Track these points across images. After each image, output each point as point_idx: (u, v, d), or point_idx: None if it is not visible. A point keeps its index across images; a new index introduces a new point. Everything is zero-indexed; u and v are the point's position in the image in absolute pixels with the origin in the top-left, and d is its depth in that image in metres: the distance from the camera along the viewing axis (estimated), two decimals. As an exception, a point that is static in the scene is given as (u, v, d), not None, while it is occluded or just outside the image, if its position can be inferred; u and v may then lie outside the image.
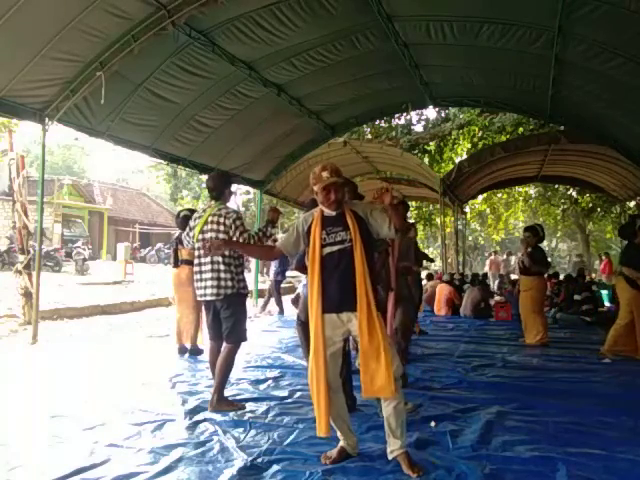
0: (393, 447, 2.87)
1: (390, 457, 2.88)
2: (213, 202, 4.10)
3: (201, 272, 3.93)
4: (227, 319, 3.91)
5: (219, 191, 4.09)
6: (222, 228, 3.89)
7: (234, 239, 3.82)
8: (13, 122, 9.85)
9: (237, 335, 3.92)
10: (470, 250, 31.24)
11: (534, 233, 6.67)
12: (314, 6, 5.56)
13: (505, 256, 21.58)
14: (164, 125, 7.22)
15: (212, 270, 3.87)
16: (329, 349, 2.85)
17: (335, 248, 2.87)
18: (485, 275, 13.50)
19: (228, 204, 4.13)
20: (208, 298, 3.91)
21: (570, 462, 2.91)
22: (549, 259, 9.65)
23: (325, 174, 2.86)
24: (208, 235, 3.90)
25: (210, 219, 3.95)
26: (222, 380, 3.91)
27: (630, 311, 5.70)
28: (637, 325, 5.67)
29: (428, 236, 28.68)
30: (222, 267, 3.86)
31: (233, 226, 3.87)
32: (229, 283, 3.86)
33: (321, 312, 2.84)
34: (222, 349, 3.95)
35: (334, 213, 2.92)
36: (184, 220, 5.86)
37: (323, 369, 2.80)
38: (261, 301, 10.52)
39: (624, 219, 13.14)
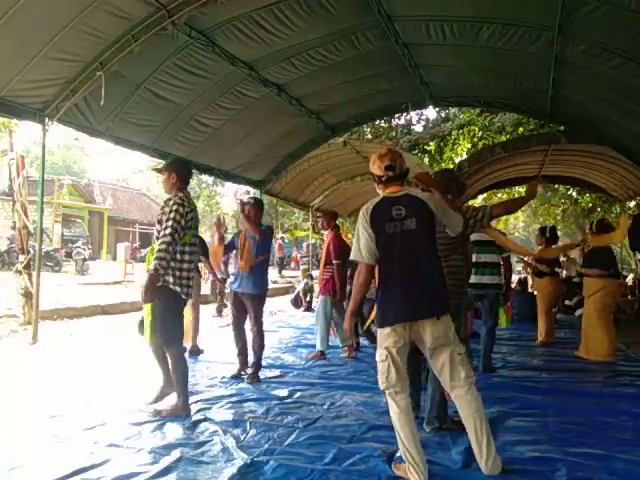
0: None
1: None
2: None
3: None
4: None
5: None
6: (164, 217, 3.60)
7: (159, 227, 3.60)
8: (13, 122, 9.86)
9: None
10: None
11: (542, 233, 7.28)
12: (314, 6, 5.55)
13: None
14: (164, 125, 7.21)
15: None
16: None
17: None
18: None
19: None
20: None
21: (570, 462, 2.92)
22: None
23: None
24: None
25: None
26: (179, 387, 3.73)
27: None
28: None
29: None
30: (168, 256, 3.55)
31: (164, 217, 3.57)
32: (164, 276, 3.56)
33: None
34: None
35: None
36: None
37: None
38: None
39: (624, 219, 13.13)
